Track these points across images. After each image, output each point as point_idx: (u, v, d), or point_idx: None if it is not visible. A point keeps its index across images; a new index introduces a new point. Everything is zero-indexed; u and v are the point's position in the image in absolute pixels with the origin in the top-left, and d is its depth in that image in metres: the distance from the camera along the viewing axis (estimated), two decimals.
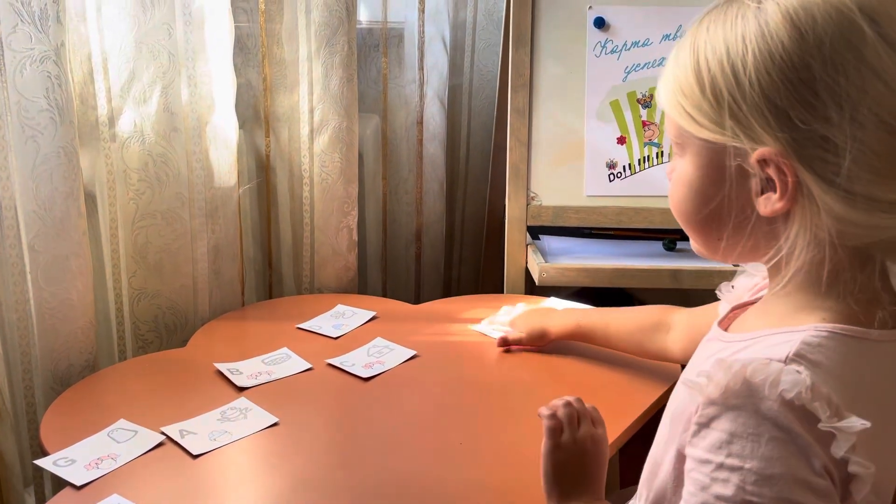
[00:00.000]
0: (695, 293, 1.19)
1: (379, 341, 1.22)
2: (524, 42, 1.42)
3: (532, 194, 1.43)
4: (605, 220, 1.43)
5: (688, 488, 0.62)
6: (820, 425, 0.57)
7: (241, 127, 1.41)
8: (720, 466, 0.59)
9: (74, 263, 1.15)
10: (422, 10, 1.64)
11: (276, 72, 1.46)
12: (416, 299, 1.75)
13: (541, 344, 1.19)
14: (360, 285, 1.63)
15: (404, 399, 1.09)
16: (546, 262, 1.38)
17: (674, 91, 0.65)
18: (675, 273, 1.35)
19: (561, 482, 0.78)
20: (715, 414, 0.60)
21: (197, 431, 0.98)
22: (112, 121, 1.23)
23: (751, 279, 0.81)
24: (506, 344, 1.20)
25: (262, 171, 1.52)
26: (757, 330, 0.66)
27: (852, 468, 0.58)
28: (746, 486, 0.57)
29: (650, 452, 0.75)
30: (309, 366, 1.15)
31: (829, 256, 0.61)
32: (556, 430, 0.79)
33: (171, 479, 0.91)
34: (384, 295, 1.75)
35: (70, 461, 0.92)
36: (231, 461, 0.94)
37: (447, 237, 1.85)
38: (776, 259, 0.63)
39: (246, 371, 1.13)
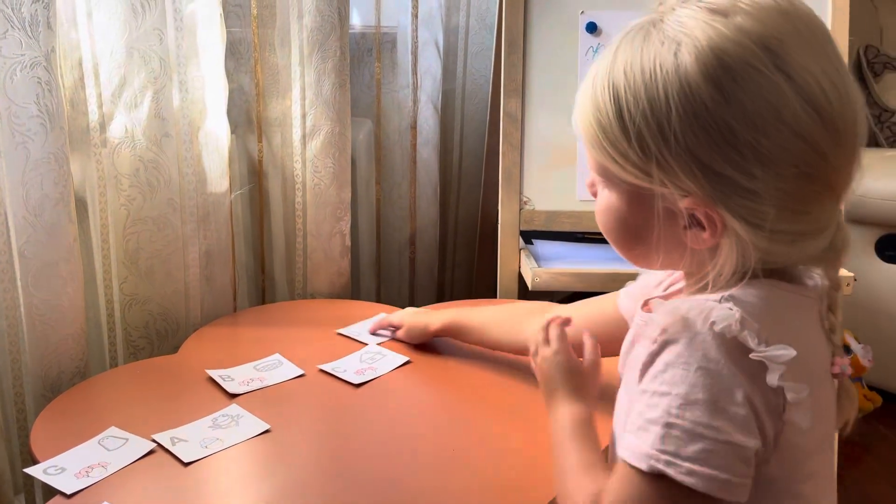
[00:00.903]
0: None
1: (371, 347, 1.22)
2: (517, 47, 1.42)
3: (525, 199, 1.43)
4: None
5: (630, 418, 0.66)
6: (752, 355, 0.61)
7: (233, 132, 1.40)
8: (653, 393, 0.64)
9: (65, 269, 1.14)
10: (415, 15, 1.64)
11: (268, 77, 1.46)
12: (410, 304, 1.74)
13: (421, 339, 1.22)
14: (353, 290, 1.63)
15: (396, 406, 1.08)
16: (539, 266, 1.38)
17: (597, 132, 0.67)
18: None
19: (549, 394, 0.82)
20: (656, 350, 0.64)
21: (188, 439, 0.98)
22: (103, 126, 1.23)
23: (654, 276, 0.85)
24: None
25: (254, 176, 1.52)
26: None
27: (789, 395, 0.62)
28: (671, 409, 0.62)
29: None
30: (301, 372, 1.14)
31: (751, 271, 0.65)
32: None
33: (162, 487, 0.90)
34: (377, 300, 1.75)
35: (60, 469, 0.91)
36: (222, 468, 0.94)
37: (440, 242, 1.85)
38: (704, 281, 0.67)
39: (238, 377, 1.12)
